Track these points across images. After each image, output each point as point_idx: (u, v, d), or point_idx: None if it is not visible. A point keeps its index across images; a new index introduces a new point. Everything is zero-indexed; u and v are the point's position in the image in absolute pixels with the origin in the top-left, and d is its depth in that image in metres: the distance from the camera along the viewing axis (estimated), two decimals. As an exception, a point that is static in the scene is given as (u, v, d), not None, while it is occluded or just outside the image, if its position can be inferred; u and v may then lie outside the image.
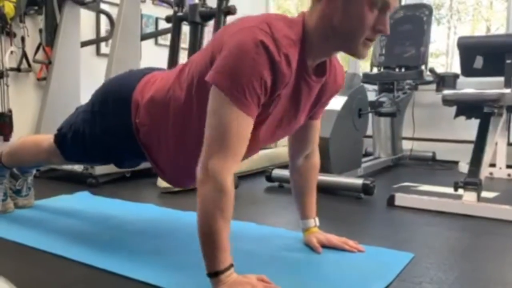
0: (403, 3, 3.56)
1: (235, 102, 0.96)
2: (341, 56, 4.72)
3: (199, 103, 1.07)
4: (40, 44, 2.98)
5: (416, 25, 3.46)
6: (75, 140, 1.43)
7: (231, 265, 0.99)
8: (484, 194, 2.06)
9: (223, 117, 0.97)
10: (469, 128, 2.72)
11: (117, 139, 1.34)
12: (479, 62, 2.53)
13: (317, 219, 1.41)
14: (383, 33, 1.02)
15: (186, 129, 1.01)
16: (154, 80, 1.29)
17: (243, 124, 0.98)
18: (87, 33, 3.40)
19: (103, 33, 3.55)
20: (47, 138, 1.56)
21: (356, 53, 1.06)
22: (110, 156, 1.46)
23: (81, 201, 2.00)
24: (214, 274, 0.97)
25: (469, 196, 1.93)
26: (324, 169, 2.26)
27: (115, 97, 1.33)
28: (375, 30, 1.01)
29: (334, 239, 1.37)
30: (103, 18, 3.48)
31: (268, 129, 1.14)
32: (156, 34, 3.90)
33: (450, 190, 2.07)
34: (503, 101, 2.31)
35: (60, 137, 1.49)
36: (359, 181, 2.17)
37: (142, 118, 1.25)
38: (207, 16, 2.78)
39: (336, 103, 2.37)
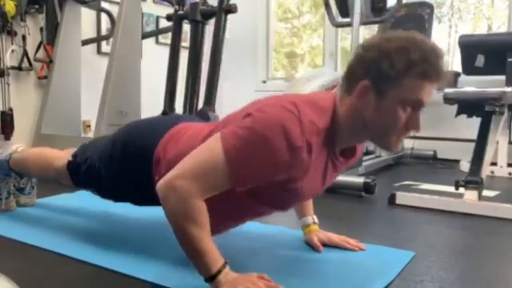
0: (404, 1, 3.55)
1: (232, 172, 0.95)
2: (342, 53, 4.66)
3: None
4: (41, 43, 2.98)
5: (417, 23, 3.45)
6: (89, 174, 1.38)
7: (225, 263, 0.98)
8: (485, 192, 2.06)
9: (213, 169, 0.96)
10: (470, 126, 2.71)
11: (133, 189, 1.29)
12: (480, 60, 2.52)
13: (315, 217, 1.40)
14: (415, 130, 1.01)
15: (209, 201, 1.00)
16: (180, 136, 1.20)
17: (223, 185, 0.98)
18: (88, 31, 3.40)
19: (103, 31, 3.55)
20: (60, 158, 1.50)
21: (388, 148, 1.05)
22: (121, 198, 1.40)
23: (82, 199, 2.00)
24: (211, 278, 0.97)
25: (470, 195, 1.93)
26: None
27: (137, 148, 1.24)
28: (407, 127, 1.00)
29: (334, 237, 1.36)
30: (103, 16, 3.48)
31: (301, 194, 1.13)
32: (157, 33, 3.90)
33: (451, 188, 2.07)
34: (504, 100, 2.31)
35: (74, 166, 1.42)
36: (360, 180, 2.17)
37: (162, 176, 1.16)
38: (208, 14, 2.78)
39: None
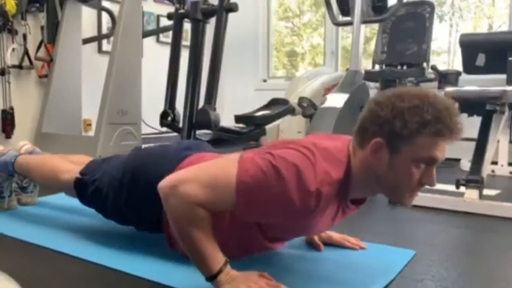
0: (405, 0, 3.54)
1: (238, 201, 0.96)
2: (343, 52, 4.65)
3: None
4: (41, 42, 2.98)
5: (418, 22, 3.45)
6: (96, 197, 1.36)
7: (226, 262, 0.99)
8: (486, 191, 2.05)
9: (221, 188, 0.97)
10: (471, 125, 2.71)
11: (140, 219, 1.29)
12: (481, 59, 2.52)
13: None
14: (430, 185, 1.00)
15: (217, 227, 0.99)
16: None
17: (225, 206, 1.00)
18: (89, 30, 3.40)
19: (104, 30, 3.55)
20: (66, 171, 1.47)
21: (401, 203, 1.04)
22: (126, 223, 1.39)
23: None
24: (212, 277, 0.98)
25: (471, 194, 1.93)
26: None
27: (147, 181, 1.20)
28: (421, 183, 0.99)
29: (335, 236, 1.36)
30: (104, 15, 3.48)
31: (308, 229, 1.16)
32: (157, 32, 3.90)
33: (452, 187, 2.07)
34: (505, 99, 2.30)
35: (81, 184, 1.40)
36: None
37: None
38: (208, 13, 2.78)
39: (338, 100, 2.36)
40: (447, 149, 0.98)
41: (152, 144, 1.61)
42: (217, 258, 0.98)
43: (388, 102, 0.97)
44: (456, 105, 0.98)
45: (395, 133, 0.95)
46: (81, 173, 1.42)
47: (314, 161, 0.97)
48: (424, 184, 0.99)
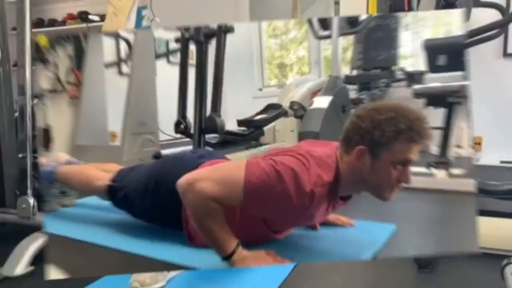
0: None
1: (245, 199, 0.97)
2: (325, 62, 4.60)
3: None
4: (71, 68, 2.99)
5: (386, 32, 3.45)
6: (125, 201, 1.37)
7: (238, 244, 1.00)
8: (453, 171, 2.05)
9: (231, 186, 0.98)
10: (437, 116, 2.71)
11: (164, 220, 1.29)
12: (442, 60, 2.52)
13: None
14: (405, 183, 1.02)
15: (229, 222, 1.00)
16: None
17: (234, 202, 1.01)
18: (109, 55, 3.40)
19: (122, 55, 3.55)
20: (100, 178, 1.47)
21: (383, 199, 1.06)
22: (151, 222, 1.38)
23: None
24: (227, 257, 0.99)
25: (440, 174, 1.93)
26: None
27: (168, 189, 1.17)
28: (399, 181, 1.01)
29: (329, 216, 1.36)
30: (122, 42, 3.48)
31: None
32: (167, 54, 3.90)
33: (424, 169, 2.07)
34: (463, 92, 2.31)
35: (112, 191, 1.41)
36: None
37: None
38: (209, 35, 2.79)
39: (323, 102, 2.37)
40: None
41: (171, 150, 1.61)
42: (230, 241, 0.99)
43: (367, 115, 0.99)
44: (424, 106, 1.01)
45: (375, 141, 0.97)
46: (113, 180, 1.42)
47: (308, 166, 0.98)
48: (401, 181, 1.01)
